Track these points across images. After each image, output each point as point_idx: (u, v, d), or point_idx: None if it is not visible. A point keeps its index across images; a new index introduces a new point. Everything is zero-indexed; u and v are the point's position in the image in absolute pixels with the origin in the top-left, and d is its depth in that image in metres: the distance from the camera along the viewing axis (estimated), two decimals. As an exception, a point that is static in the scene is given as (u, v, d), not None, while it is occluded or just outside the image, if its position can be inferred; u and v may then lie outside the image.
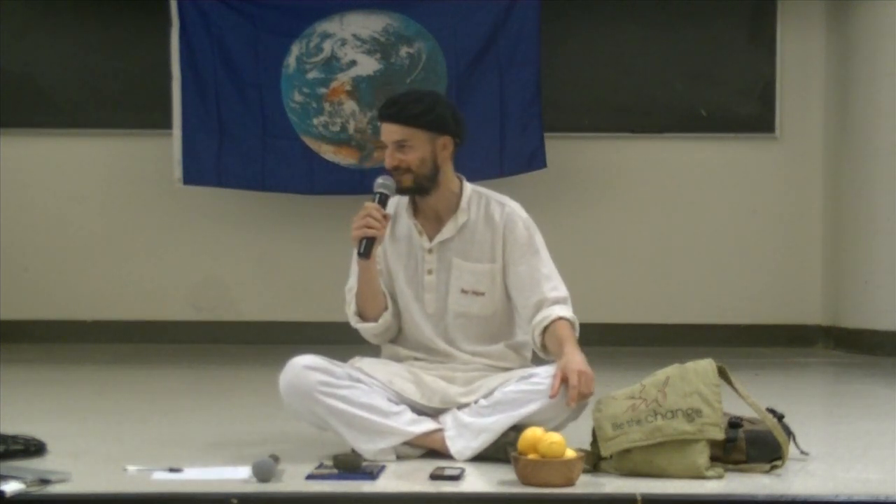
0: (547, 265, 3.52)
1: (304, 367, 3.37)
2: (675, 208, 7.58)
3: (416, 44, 7.12)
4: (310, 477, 3.10)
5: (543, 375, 3.35)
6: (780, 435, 3.21)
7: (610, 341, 7.18)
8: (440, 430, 3.39)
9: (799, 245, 7.56)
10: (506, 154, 7.01)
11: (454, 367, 3.52)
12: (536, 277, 3.48)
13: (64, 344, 7.27)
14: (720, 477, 3.11)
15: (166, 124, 7.06)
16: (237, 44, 7.10)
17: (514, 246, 3.51)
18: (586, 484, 3.04)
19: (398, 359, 3.57)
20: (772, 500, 2.94)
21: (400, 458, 3.35)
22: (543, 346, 3.44)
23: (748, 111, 7.55)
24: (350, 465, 3.13)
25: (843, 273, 7.30)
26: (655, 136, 7.56)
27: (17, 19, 7.51)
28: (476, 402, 3.42)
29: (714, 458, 3.15)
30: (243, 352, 6.99)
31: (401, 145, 3.45)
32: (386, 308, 3.53)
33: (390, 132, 3.46)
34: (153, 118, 7.30)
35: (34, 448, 3.43)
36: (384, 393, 3.41)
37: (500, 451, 3.27)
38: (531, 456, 3.04)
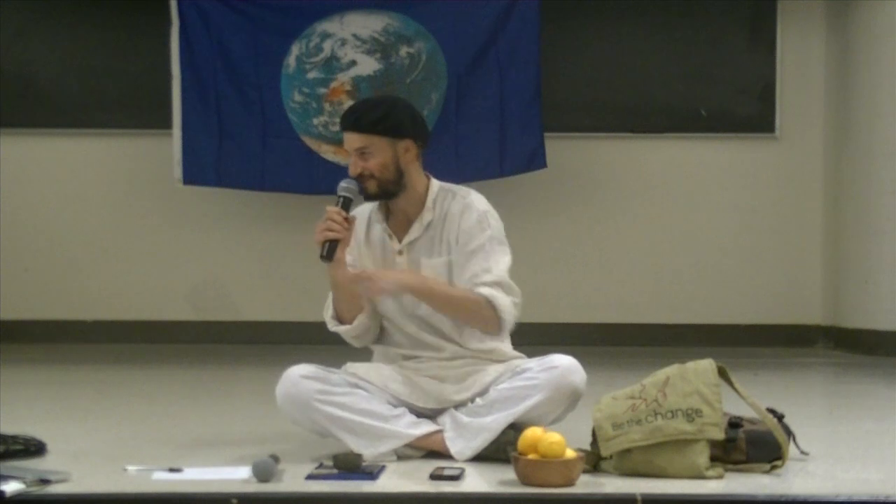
0: (491, 256, 3.45)
1: (301, 376, 3.38)
2: (674, 208, 7.58)
3: (416, 44, 7.12)
4: (310, 477, 3.10)
5: (537, 370, 3.35)
6: (780, 435, 3.21)
7: (610, 341, 7.19)
8: (440, 432, 3.39)
9: (799, 245, 7.56)
10: (506, 154, 7.01)
11: (445, 366, 3.52)
12: (472, 267, 3.44)
13: (64, 344, 7.27)
14: (720, 477, 3.11)
15: (166, 124, 7.07)
16: (237, 44, 7.10)
17: (462, 235, 3.49)
18: (586, 484, 3.04)
19: (389, 358, 3.58)
20: (772, 500, 2.94)
21: (401, 458, 3.35)
22: None
23: (748, 111, 7.55)
24: (350, 465, 3.13)
25: (843, 273, 7.30)
26: (655, 136, 7.56)
27: (16, 19, 7.51)
28: (472, 401, 3.42)
29: (714, 458, 3.15)
30: (243, 352, 6.99)
31: (362, 152, 3.45)
32: (361, 310, 3.53)
33: (350, 140, 3.47)
34: (153, 118, 7.30)
35: (34, 448, 3.43)
36: (383, 396, 3.42)
37: (500, 450, 3.27)
38: (531, 456, 3.04)
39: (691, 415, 3.12)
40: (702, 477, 3.08)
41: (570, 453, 3.04)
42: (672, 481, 3.06)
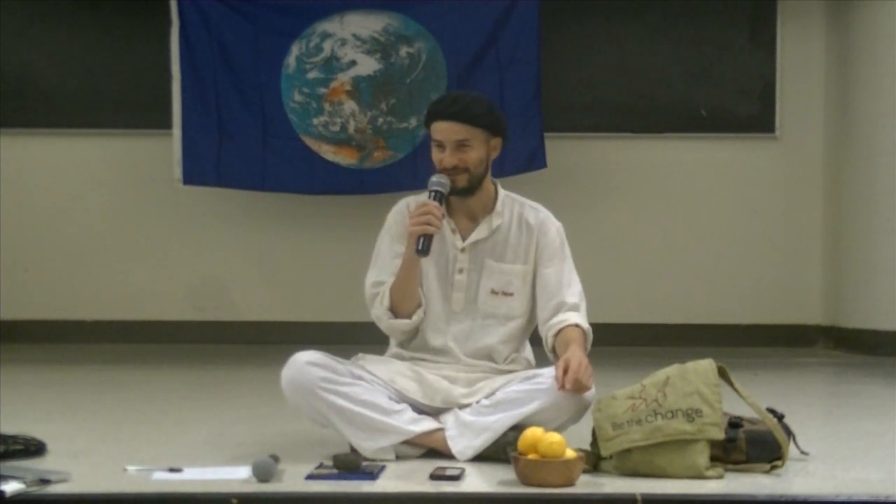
0: (572, 272, 3.58)
1: (307, 362, 3.37)
2: (675, 208, 7.58)
3: (416, 44, 7.12)
4: (310, 477, 3.10)
5: (546, 375, 3.35)
6: (780, 435, 3.21)
7: (610, 341, 7.14)
8: (441, 430, 3.39)
9: (799, 245, 7.56)
10: (506, 154, 6.84)
11: (458, 368, 3.52)
12: (560, 281, 3.53)
13: (64, 344, 7.27)
14: (720, 477, 3.11)
15: (166, 124, 7.06)
16: (237, 44, 7.10)
17: (546, 249, 3.56)
18: (586, 484, 3.04)
19: (402, 357, 3.57)
20: (772, 500, 2.94)
21: (399, 457, 3.34)
22: (553, 349, 3.47)
23: (748, 111, 7.55)
24: (350, 465, 3.13)
25: (843, 273, 7.30)
26: (655, 136, 7.56)
27: (16, 19, 7.51)
28: (478, 402, 3.42)
29: (714, 458, 3.15)
30: (243, 352, 6.99)
31: (462, 145, 3.45)
32: (420, 305, 3.53)
33: (453, 131, 3.45)
34: (153, 118, 7.30)
35: (34, 448, 3.43)
36: (385, 391, 3.41)
37: (500, 451, 3.27)
38: (531, 456, 3.04)
39: (691, 415, 3.12)
40: (702, 477, 3.09)
41: (570, 453, 3.04)
42: (672, 481, 3.06)
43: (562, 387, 3.24)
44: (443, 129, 3.45)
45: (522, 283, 3.55)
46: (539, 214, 3.61)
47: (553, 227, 3.60)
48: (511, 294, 3.54)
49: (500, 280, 3.54)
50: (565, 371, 3.24)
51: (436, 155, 3.48)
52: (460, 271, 3.54)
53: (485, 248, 3.55)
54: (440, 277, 3.54)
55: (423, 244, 3.38)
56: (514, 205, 3.61)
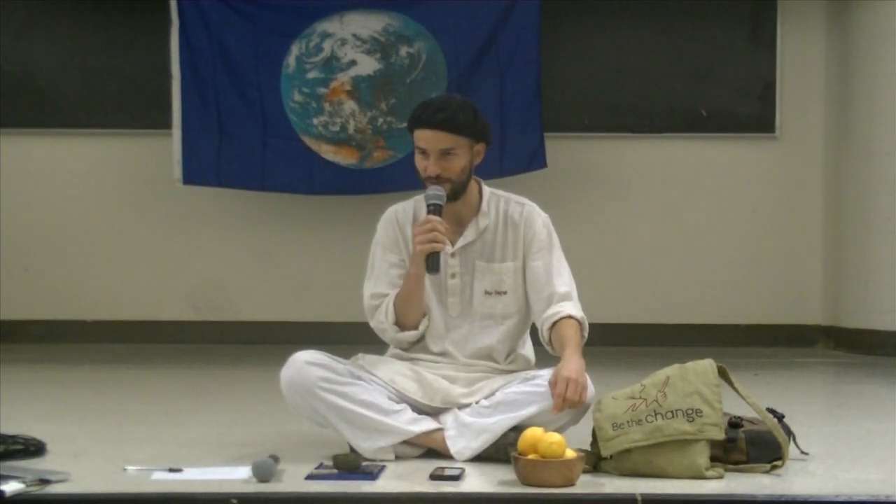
0: (560, 261, 3.56)
1: (306, 362, 3.36)
2: (675, 208, 7.58)
3: (416, 44, 7.12)
4: (309, 477, 3.10)
5: (546, 378, 3.34)
6: (780, 435, 3.21)
7: (610, 341, 7.17)
8: (440, 430, 3.38)
9: (799, 245, 7.57)
10: (506, 154, 7.01)
11: (457, 368, 3.52)
12: (550, 271, 3.52)
13: (64, 344, 7.27)
14: (720, 477, 3.10)
15: (166, 124, 7.07)
16: (237, 44, 7.11)
17: (533, 242, 3.54)
18: (586, 484, 3.04)
19: (401, 357, 3.57)
20: (772, 500, 2.94)
21: (399, 457, 3.34)
22: (550, 342, 3.46)
23: (748, 111, 7.55)
24: (350, 465, 3.13)
25: (843, 273, 7.30)
26: (655, 136, 7.56)
27: (17, 19, 7.51)
28: (477, 402, 3.42)
29: (714, 459, 3.15)
30: (243, 352, 6.99)
31: (447, 153, 3.41)
32: (424, 314, 3.51)
33: (438, 140, 3.40)
34: (153, 118, 7.30)
35: (34, 448, 3.43)
36: (385, 391, 3.41)
37: (500, 451, 3.27)
38: (531, 456, 3.04)
39: (691, 415, 3.12)
40: (702, 477, 3.08)
41: (569, 453, 3.04)
42: (672, 481, 3.06)
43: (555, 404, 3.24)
44: (427, 138, 3.41)
45: (514, 279, 3.53)
46: (524, 209, 3.58)
47: (539, 219, 3.57)
48: (504, 292, 3.53)
49: (493, 280, 3.53)
50: (556, 386, 3.23)
51: (420, 162, 3.44)
52: (453, 276, 3.53)
53: (474, 251, 3.54)
54: (434, 284, 3.53)
55: (432, 262, 3.37)
56: (499, 202, 3.58)
